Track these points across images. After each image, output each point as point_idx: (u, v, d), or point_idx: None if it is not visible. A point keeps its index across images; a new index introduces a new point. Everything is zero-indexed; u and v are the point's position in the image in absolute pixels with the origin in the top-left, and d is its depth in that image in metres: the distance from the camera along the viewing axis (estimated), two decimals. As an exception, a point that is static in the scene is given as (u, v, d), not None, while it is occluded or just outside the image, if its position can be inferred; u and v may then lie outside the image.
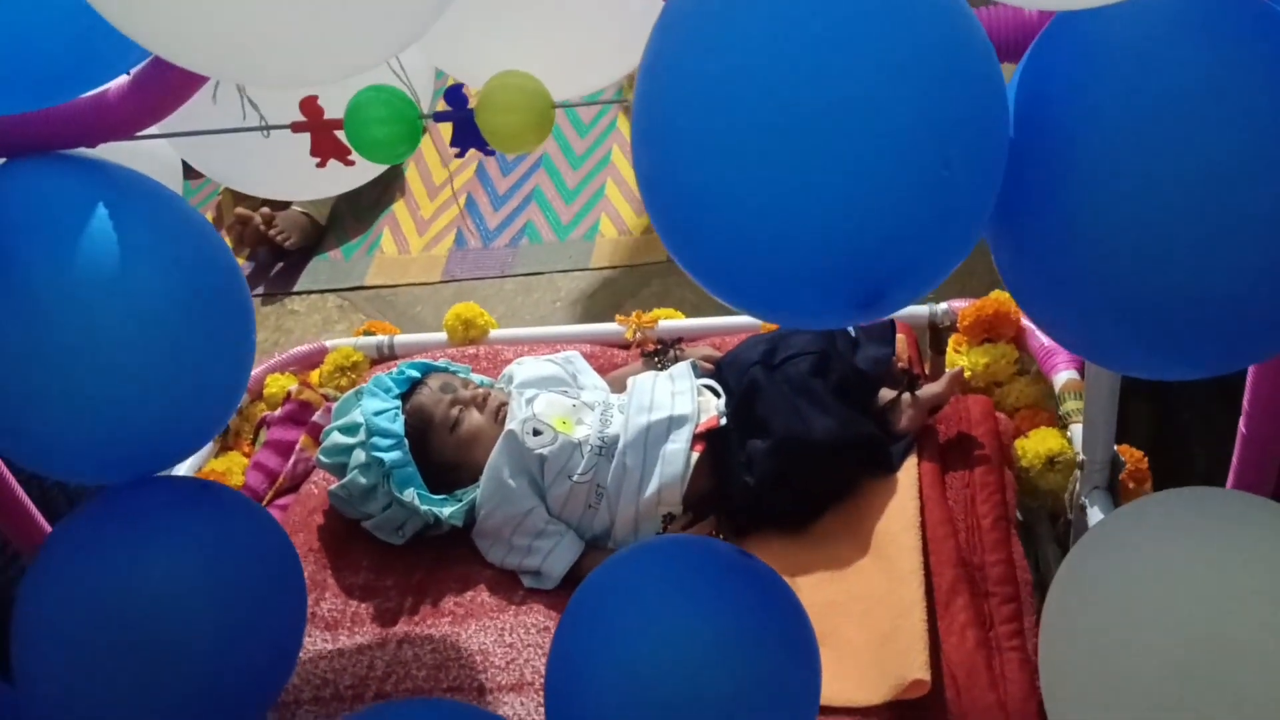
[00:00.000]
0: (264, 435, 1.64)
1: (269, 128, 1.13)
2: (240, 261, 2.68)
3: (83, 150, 1.14)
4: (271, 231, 2.60)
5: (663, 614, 0.99)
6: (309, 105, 1.11)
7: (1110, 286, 0.87)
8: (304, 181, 1.30)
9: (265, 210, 2.64)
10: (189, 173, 3.07)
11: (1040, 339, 1.55)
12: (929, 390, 1.43)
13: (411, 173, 2.86)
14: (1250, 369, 1.15)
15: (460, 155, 1.14)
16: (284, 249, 2.62)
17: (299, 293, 2.62)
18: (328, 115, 1.11)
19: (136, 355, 1.07)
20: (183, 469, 1.58)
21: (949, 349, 1.62)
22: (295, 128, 1.12)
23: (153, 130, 1.15)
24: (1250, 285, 0.84)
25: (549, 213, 2.63)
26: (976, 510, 1.35)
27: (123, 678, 1.08)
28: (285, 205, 2.68)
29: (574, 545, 1.40)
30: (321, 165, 1.14)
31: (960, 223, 0.84)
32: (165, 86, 1.10)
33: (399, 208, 2.77)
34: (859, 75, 0.78)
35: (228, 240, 2.70)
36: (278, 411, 1.66)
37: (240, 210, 2.67)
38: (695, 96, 0.81)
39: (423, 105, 1.11)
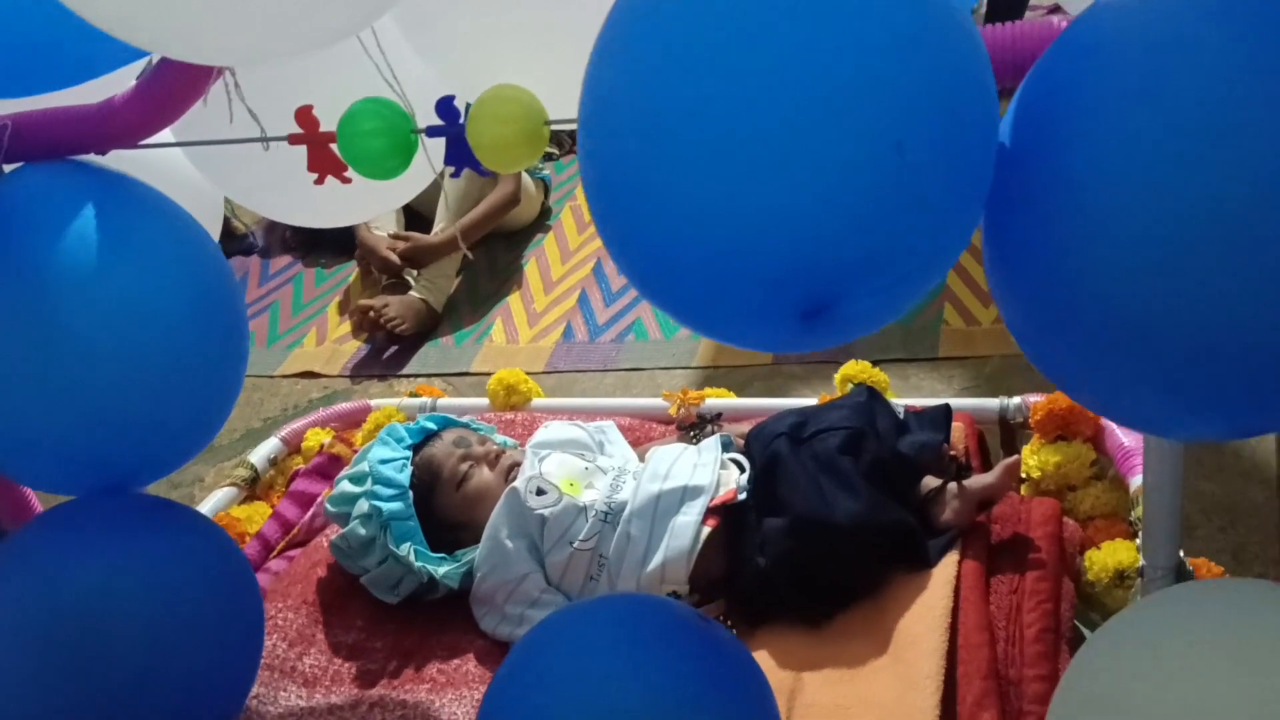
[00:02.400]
0: (292, 485, 1.59)
1: (267, 139, 1.11)
2: (357, 345, 2.74)
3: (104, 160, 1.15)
4: (384, 319, 2.66)
5: (598, 676, 0.87)
6: (304, 116, 1.09)
7: (1108, 316, 0.74)
8: (313, 205, 1.28)
9: (380, 298, 2.70)
10: (324, 259, 3.15)
11: (1120, 438, 1.38)
12: (979, 481, 1.28)
13: (531, 267, 2.91)
14: None
15: (455, 174, 1.09)
16: (399, 335, 2.67)
17: (407, 375, 2.65)
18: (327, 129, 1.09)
19: (122, 358, 1.05)
20: (201, 510, 1.55)
21: (1025, 451, 1.46)
22: (292, 140, 1.10)
23: (158, 140, 1.16)
24: (1274, 319, 0.70)
25: (658, 311, 2.59)
26: (1022, 619, 1.18)
27: (47, 688, 1.02)
28: (404, 290, 2.74)
29: (571, 619, 1.28)
30: (319, 182, 1.12)
31: (922, 222, 0.73)
32: (167, 93, 1.10)
33: (514, 299, 2.81)
34: (802, 34, 0.69)
35: (349, 325, 2.78)
36: (309, 464, 1.62)
37: (362, 302, 2.75)
38: (627, 84, 0.74)
39: (419, 121, 1.07)
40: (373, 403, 1.74)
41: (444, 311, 2.79)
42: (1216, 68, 0.69)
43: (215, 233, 1.41)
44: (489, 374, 2.56)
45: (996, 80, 0.85)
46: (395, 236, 2.81)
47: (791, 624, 1.24)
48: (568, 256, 2.92)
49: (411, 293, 2.74)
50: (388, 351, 2.73)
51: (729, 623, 1.24)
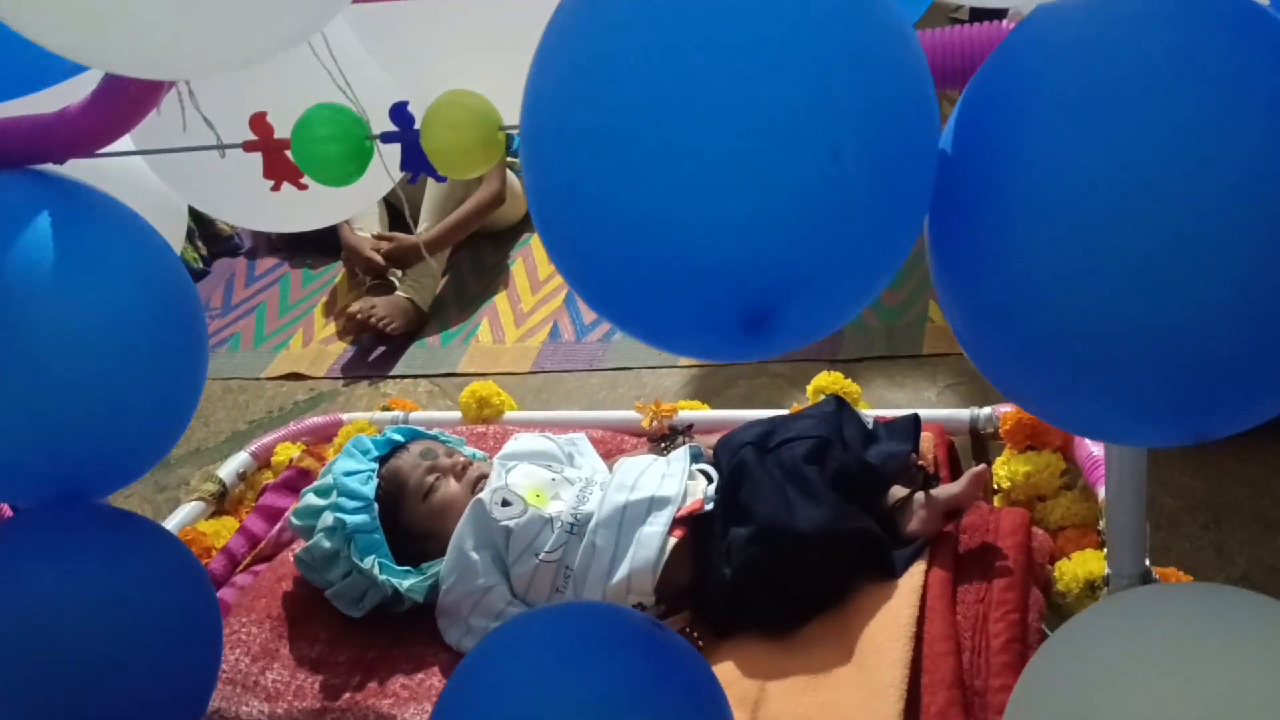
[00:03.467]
0: (260, 499, 1.58)
1: (223, 147, 1.11)
2: (344, 346, 2.74)
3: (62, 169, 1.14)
4: (372, 319, 2.65)
5: (545, 682, 0.86)
6: (259, 123, 1.08)
7: (1046, 323, 0.73)
8: (273, 211, 1.27)
9: (367, 299, 2.70)
10: (310, 260, 3.14)
11: (1090, 448, 1.37)
12: (945, 491, 1.27)
13: (518, 266, 2.91)
14: None
15: (412, 180, 1.09)
16: (388, 335, 2.67)
17: (394, 376, 2.65)
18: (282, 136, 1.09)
19: (77, 366, 1.05)
20: (167, 526, 1.54)
21: (996, 462, 1.45)
22: (247, 147, 1.09)
23: (117, 148, 1.15)
24: (1206, 325, 0.70)
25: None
26: (988, 630, 1.17)
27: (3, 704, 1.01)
28: (389, 291, 2.74)
29: (536, 632, 1.26)
30: (275, 189, 1.11)
31: (860, 231, 0.72)
32: (122, 103, 1.09)
33: (500, 299, 2.81)
34: (736, 45, 0.69)
35: (335, 327, 2.78)
36: (278, 478, 1.61)
37: (350, 310, 2.74)
38: (562, 97, 0.74)
39: (376, 129, 1.07)
40: (344, 417, 1.73)
41: (430, 311, 2.78)
42: (1148, 79, 0.69)
43: (178, 239, 1.41)
44: (476, 375, 2.58)
45: (945, 84, 0.85)
46: (379, 237, 2.80)
47: (757, 634, 1.23)
48: (555, 254, 2.91)
49: (398, 293, 2.74)
50: (374, 353, 2.73)
51: (695, 634, 1.23)
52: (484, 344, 2.65)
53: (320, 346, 2.78)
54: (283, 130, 1.08)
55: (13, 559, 1.05)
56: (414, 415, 1.71)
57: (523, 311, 2.75)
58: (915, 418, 1.37)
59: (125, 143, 1.16)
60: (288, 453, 1.66)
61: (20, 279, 1.05)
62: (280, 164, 1.09)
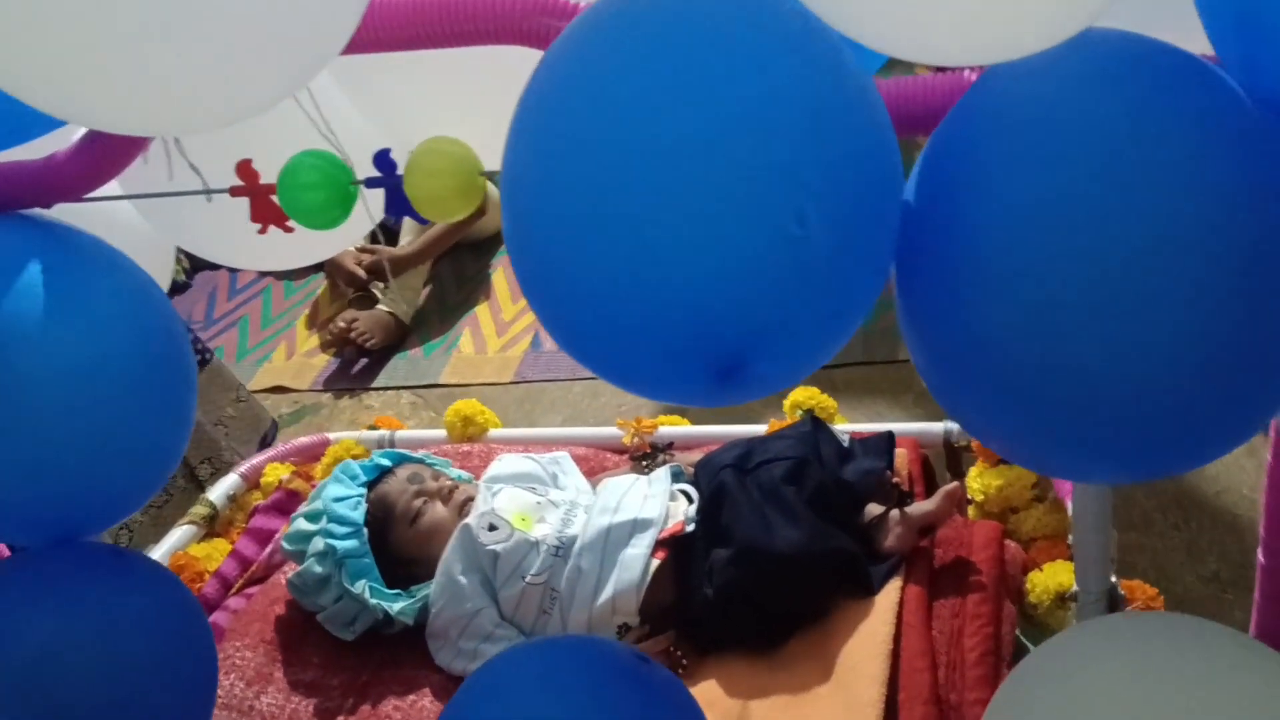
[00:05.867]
0: (250, 522, 1.61)
1: (210, 192, 1.13)
2: (327, 359, 2.77)
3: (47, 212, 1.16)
4: (353, 334, 2.68)
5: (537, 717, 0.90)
6: (245, 169, 1.11)
7: (1005, 368, 0.77)
8: (260, 251, 1.30)
9: (349, 312, 2.73)
10: (292, 273, 3.17)
11: (1059, 461, 1.41)
12: (920, 508, 1.31)
13: (498, 275, 2.93)
14: (1265, 490, 1.02)
15: (394, 224, 1.11)
16: (367, 350, 2.70)
17: (377, 389, 2.68)
18: (268, 180, 1.11)
19: (67, 409, 1.06)
20: (160, 550, 1.57)
21: (969, 474, 1.49)
22: (233, 192, 1.12)
23: (104, 193, 1.17)
24: (1161, 371, 0.73)
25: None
26: (963, 644, 1.21)
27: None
28: (371, 305, 2.77)
29: (524, 653, 1.30)
30: (262, 231, 1.13)
31: (827, 290, 0.76)
32: (109, 150, 1.11)
33: (482, 309, 2.84)
34: (703, 117, 0.72)
35: (316, 338, 2.80)
36: (267, 500, 1.63)
37: (332, 326, 2.76)
38: (537, 163, 0.77)
39: (360, 172, 1.09)
40: (331, 436, 1.76)
41: (412, 323, 2.81)
42: (1097, 139, 0.73)
43: (165, 276, 1.43)
44: (458, 385, 2.60)
45: (906, 133, 0.88)
46: (361, 250, 2.82)
47: (739, 653, 1.26)
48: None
49: (379, 306, 2.76)
50: (357, 365, 2.76)
51: (678, 653, 1.27)
52: (466, 354, 2.68)
53: (303, 359, 2.80)
54: (268, 175, 1.10)
55: (10, 602, 1.07)
56: (400, 434, 1.74)
57: (504, 321, 2.78)
58: (890, 435, 1.40)
59: (112, 186, 1.18)
60: (276, 473, 1.68)
61: (9, 323, 1.06)
62: (267, 209, 1.11)
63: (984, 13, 0.71)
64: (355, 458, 1.69)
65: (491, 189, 2.98)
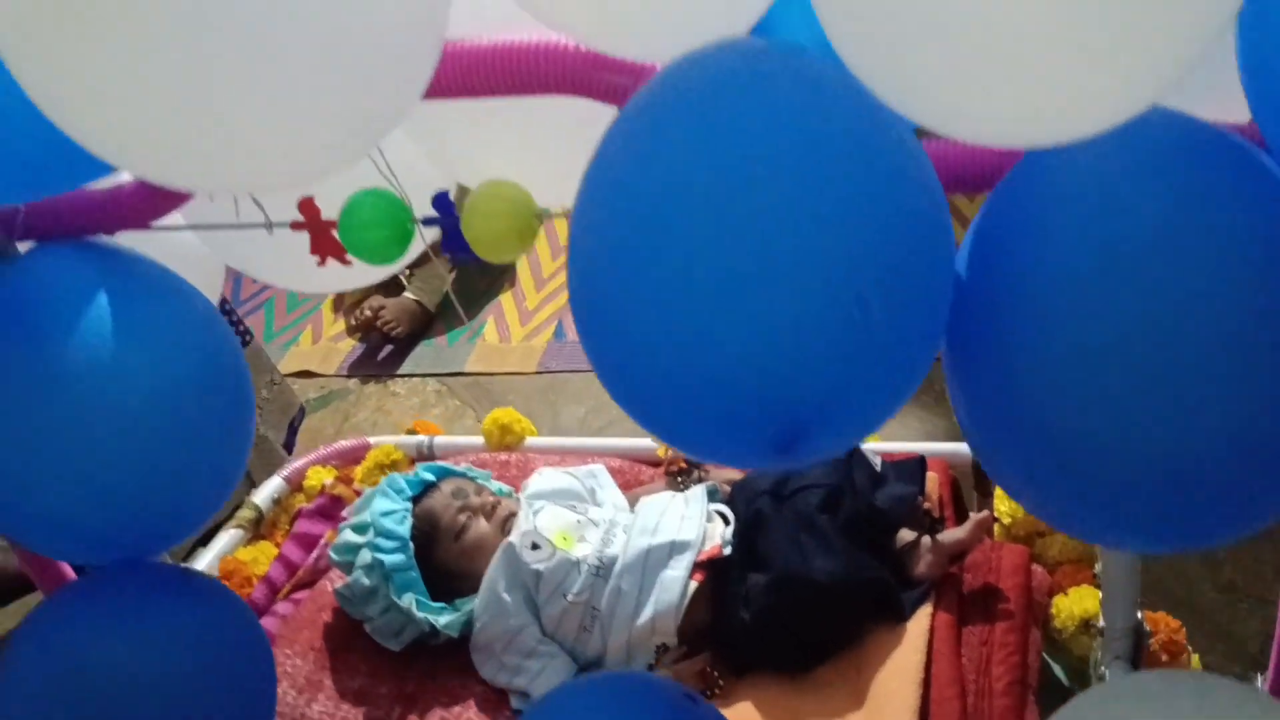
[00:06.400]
0: (295, 526, 1.66)
1: (271, 225, 1.16)
2: (352, 344, 2.80)
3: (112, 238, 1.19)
4: (379, 321, 2.71)
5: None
6: (307, 206, 1.14)
7: (1054, 441, 0.80)
8: (315, 277, 1.33)
9: (375, 299, 2.76)
10: (316, 256, 3.19)
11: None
12: (951, 535, 1.35)
13: (522, 265, 2.95)
14: None
15: (452, 267, 1.14)
16: (392, 337, 2.73)
17: (402, 375, 2.72)
18: (328, 215, 1.14)
19: (133, 437, 1.10)
20: (209, 554, 1.62)
21: (996, 496, 1.53)
22: (294, 226, 1.15)
23: (168, 222, 1.21)
24: (1206, 450, 0.77)
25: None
26: (991, 671, 1.26)
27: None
28: (398, 292, 2.80)
29: (565, 669, 1.35)
30: (321, 264, 1.17)
31: (885, 366, 0.79)
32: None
33: (506, 298, 2.87)
34: (770, 208, 0.75)
35: (342, 322, 2.84)
36: (311, 504, 1.68)
37: (359, 311, 2.79)
38: (607, 244, 0.80)
39: (416, 209, 1.13)
40: (371, 440, 1.80)
41: (437, 310, 2.84)
42: (1146, 222, 0.76)
43: (215, 292, 1.46)
44: (482, 374, 2.64)
45: (952, 190, 0.91)
46: None
47: (774, 675, 1.31)
48: (558, 252, 2.95)
49: (405, 294, 2.79)
50: (383, 351, 2.80)
51: (715, 673, 1.31)
52: (490, 343, 2.71)
53: (330, 344, 2.83)
54: (327, 209, 1.13)
55: (81, 622, 1.12)
56: (438, 440, 1.78)
57: (528, 310, 2.80)
58: (921, 460, 1.44)
59: (175, 215, 1.22)
60: (319, 477, 1.73)
61: (82, 353, 1.10)
62: (327, 243, 1.14)
63: (1046, 100, 0.74)
64: (394, 462, 1.74)
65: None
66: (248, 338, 2.25)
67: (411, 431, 1.83)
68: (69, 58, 0.75)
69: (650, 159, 0.79)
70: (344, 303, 2.90)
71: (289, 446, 2.28)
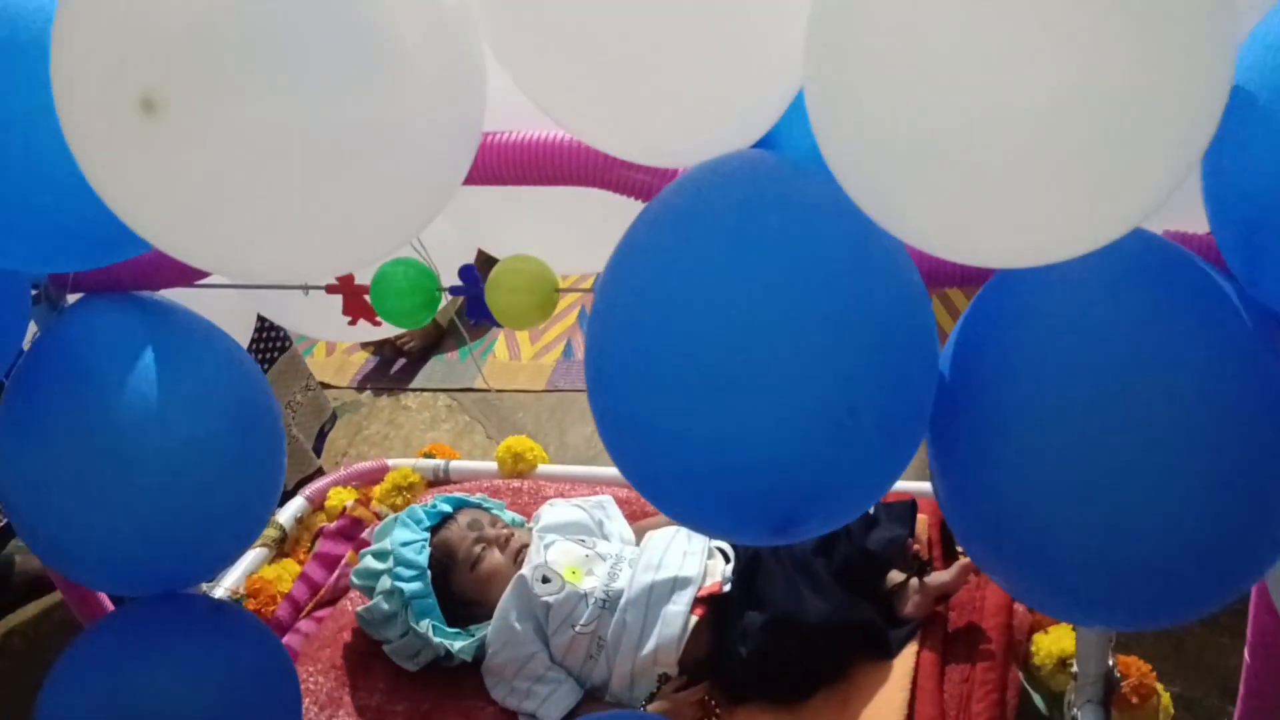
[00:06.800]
0: (318, 546, 1.74)
1: (308, 288, 1.24)
2: (366, 356, 2.88)
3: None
4: (393, 336, 2.79)
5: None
6: (342, 274, 1.22)
7: (1024, 530, 0.88)
8: (345, 331, 1.41)
9: None
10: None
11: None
12: (938, 579, 1.43)
13: (535, 284, 3.00)
14: (1253, 596, 1.14)
15: (474, 324, 1.22)
16: (405, 351, 2.81)
17: (413, 390, 2.79)
18: (360, 281, 1.22)
19: (173, 479, 1.17)
20: (236, 571, 1.70)
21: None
22: (329, 290, 1.23)
23: (210, 281, 1.28)
24: (1163, 546, 0.85)
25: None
26: (971, 708, 1.34)
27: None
28: None
29: (572, 693, 1.44)
30: (352, 324, 1.25)
31: (872, 465, 0.87)
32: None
33: (517, 316, 2.92)
34: (775, 322, 0.83)
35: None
36: (333, 525, 1.76)
37: None
38: (622, 354, 0.87)
39: (443, 278, 1.20)
40: (390, 462, 1.88)
41: (449, 326, 2.91)
42: (1116, 343, 0.83)
43: (245, 336, 1.54)
44: (492, 390, 2.72)
45: (937, 286, 0.98)
46: None
47: (768, 705, 1.40)
48: (568, 274, 3.02)
49: None
50: (395, 365, 2.87)
51: (713, 701, 1.40)
52: (500, 360, 2.78)
53: (344, 356, 2.91)
54: (360, 274, 1.21)
55: (121, 653, 1.20)
56: (454, 465, 1.86)
57: (537, 329, 2.87)
58: (913, 503, 1.52)
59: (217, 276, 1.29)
60: (340, 497, 1.81)
61: (129, 402, 1.18)
62: (359, 306, 1.22)
63: (1029, 227, 0.81)
64: (411, 485, 1.82)
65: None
66: (286, 344, 2.33)
67: (428, 455, 1.92)
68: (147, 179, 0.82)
69: (666, 273, 0.86)
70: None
71: (317, 450, 2.37)
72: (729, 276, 0.83)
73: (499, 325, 1.18)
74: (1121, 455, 0.84)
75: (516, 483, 1.79)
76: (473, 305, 1.19)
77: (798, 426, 0.84)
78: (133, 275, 1.24)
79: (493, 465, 1.85)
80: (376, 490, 1.84)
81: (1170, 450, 0.84)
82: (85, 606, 1.39)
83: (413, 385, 2.79)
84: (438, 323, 2.88)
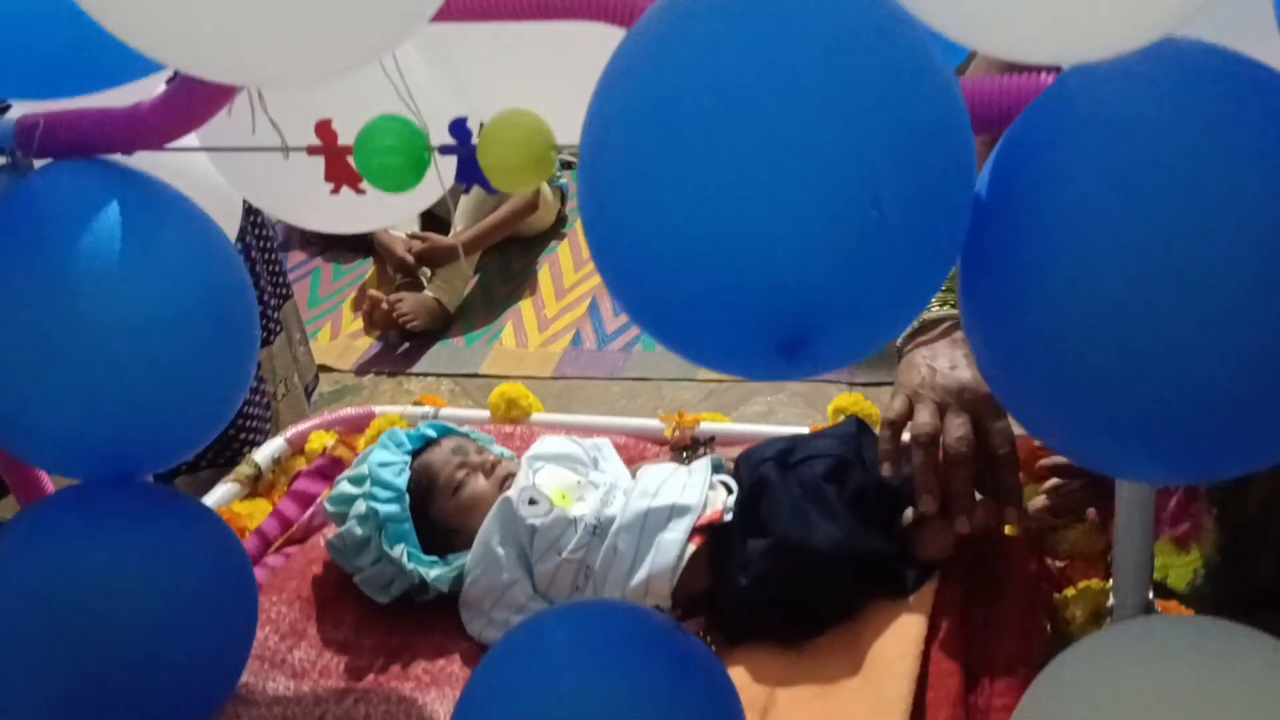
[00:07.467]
0: (294, 484, 1.64)
1: (287, 149, 1.16)
2: (370, 342, 2.81)
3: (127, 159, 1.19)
4: (396, 314, 2.72)
5: (567, 683, 0.91)
6: (324, 129, 1.13)
7: (1071, 364, 0.78)
8: (325, 211, 1.33)
9: (396, 294, 2.77)
10: (341, 256, 3.29)
11: (1100, 482, 1.41)
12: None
13: (544, 274, 2.98)
14: None
15: (466, 190, 1.13)
16: (409, 331, 2.74)
17: (418, 374, 2.73)
18: (344, 142, 1.14)
19: (136, 354, 1.09)
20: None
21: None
22: (311, 151, 1.14)
23: (183, 144, 1.20)
24: (1225, 374, 0.74)
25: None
26: (992, 650, 1.21)
27: (46, 666, 1.06)
28: (419, 289, 2.81)
29: (555, 627, 1.31)
30: (335, 192, 1.16)
31: (896, 272, 0.77)
32: (193, 102, 1.15)
33: (525, 304, 2.89)
34: (784, 101, 0.74)
35: (361, 321, 2.85)
36: (311, 465, 1.66)
37: (372, 292, 2.81)
38: (618, 138, 0.79)
39: (433, 138, 1.12)
40: (377, 409, 1.78)
41: (456, 312, 2.85)
42: (1171, 147, 0.74)
43: (233, 228, 1.46)
44: (498, 376, 2.64)
45: (982, 130, 0.89)
46: (413, 237, 2.87)
47: (769, 643, 1.27)
48: (580, 264, 3.00)
49: (426, 291, 2.80)
50: (399, 349, 2.81)
51: (708, 639, 1.28)
52: (507, 347, 2.72)
53: (347, 340, 2.84)
54: (345, 136, 1.13)
55: (66, 532, 1.10)
56: (444, 412, 1.76)
57: (546, 317, 2.82)
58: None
59: (191, 138, 1.21)
60: (321, 441, 1.71)
61: (85, 263, 1.10)
62: (342, 169, 1.13)
63: (1068, 10, 0.73)
64: (399, 430, 1.71)
65: (544, 187, 3.03)
66: (289, 291, 2.28)
67: (417, 403, 1.82)
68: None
69: (663, 58, 0.78)
70: (363, 300, 2.91)
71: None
72: (731, 50, 0.75)
73: (490, 189, 1.09)
74: (1179, 273, 0.74)
75: (509, 428, 1.68)
76: (464, 166, 1.10)
77: (810, 215, 0.74)
78: (101, 134, 1.17)
79: (485, 414, 1.75)
80: (361, 440, 1.73)
81: (1235, 264, 0.74)
82: (24, 489, 1.29)
83: (416, 369, 2.72)
84: (444, 307, 2.82)
